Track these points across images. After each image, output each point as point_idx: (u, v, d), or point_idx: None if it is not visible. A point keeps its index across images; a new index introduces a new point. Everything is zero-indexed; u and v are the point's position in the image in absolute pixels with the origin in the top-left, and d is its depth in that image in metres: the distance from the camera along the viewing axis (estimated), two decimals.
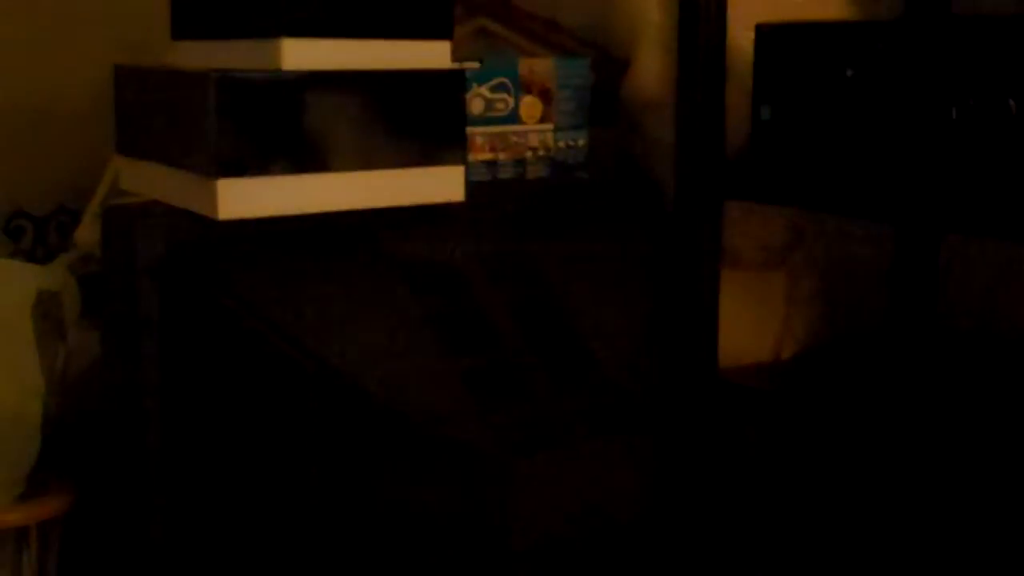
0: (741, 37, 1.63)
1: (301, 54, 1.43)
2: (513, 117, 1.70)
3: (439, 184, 1.52)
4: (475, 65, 1.66)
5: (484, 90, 1.68)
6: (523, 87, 1.70)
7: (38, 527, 1.74)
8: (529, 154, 1.72)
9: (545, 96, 1.72)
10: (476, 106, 1.67)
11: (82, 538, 1.79)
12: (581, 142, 1.75)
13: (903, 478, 1.56)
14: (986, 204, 1.34)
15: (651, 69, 1.78)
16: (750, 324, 1.83)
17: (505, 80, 1.69)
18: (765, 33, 1.57)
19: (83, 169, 2.11)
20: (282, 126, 1.42)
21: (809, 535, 1.67)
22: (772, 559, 1.69)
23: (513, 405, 1.42)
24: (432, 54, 1.52)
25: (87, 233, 2.01)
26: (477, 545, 1.36)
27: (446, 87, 1.52)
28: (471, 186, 1.56)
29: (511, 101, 1.70)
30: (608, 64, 1.85)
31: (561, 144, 1.74)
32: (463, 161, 1.54)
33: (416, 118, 1.50)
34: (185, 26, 1.57)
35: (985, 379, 1.70)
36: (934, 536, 1.55)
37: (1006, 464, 1.46)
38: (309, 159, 1.44)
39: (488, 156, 1.69)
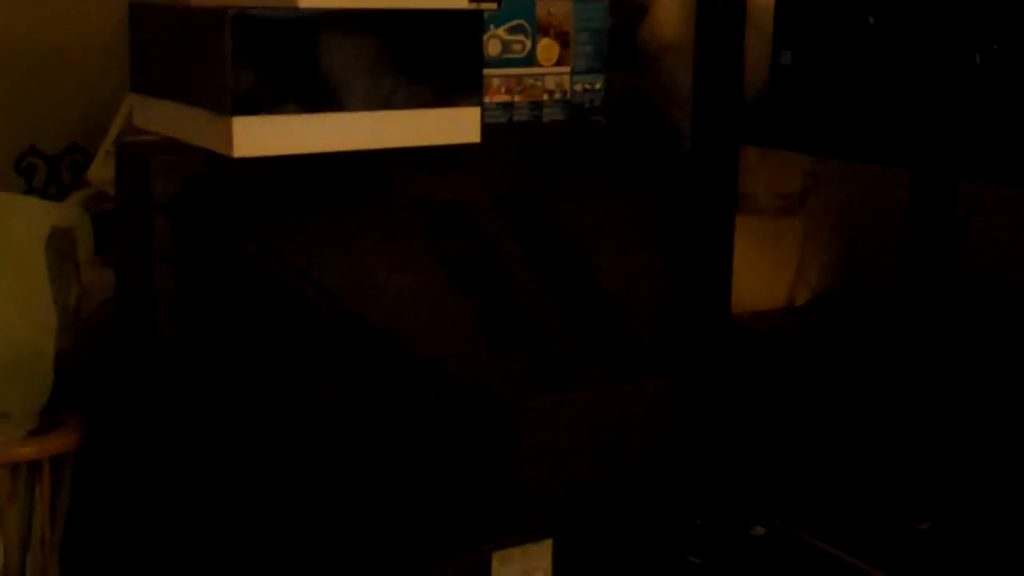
0: None
1: None
2: (530, 59, 1.69)
3: (455, 125, 1.52)
4: (492, 6, 1.65)
5: (501, 32, 1.67)
6: (540, 29, 1.69)
7: (50, 461, 1.75)
8: (545, 97, 1.71)
9: (562, 39, 1.71)
10: (493, 48, 1.66)
11: (94, 473, 1.80)
12: (598, 85, 1.74)
13: (916, 424, 1.56)
14: (1007, 150, 1.33)
15: (669, 12, 1.77)
16: (764, 270, 1.83)
17: (522, 22, 1.68)
18: None
19: (96, 107, 2.10)
20: (298, 64, 1.42)
21: (820, 481, 1.68)
22: (783, 503, 1.70)
23: (525, 347, 1.42)
24: None
25: (100, 171, 2.00)
26: (486, 486, 1.37)
27: (463, 28, 1.51)
28: (487, 128, 1.55)
29: (528, 43, 1.69)
30: (626, 7, 1.84)
31: (578, 87, 1.73)
32: (479, 103, 1.53)
33: (432, 59, 1.49)
34: None
35: (1001, 327, 1.70)
36: (943, 480, 1.55)
37: (1020, 411, 1.46)
38: (325, 98, 1.43)
39: (504, 98, 1.68)
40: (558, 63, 1.71)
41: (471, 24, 1.52)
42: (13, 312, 1.71)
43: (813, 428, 1.67)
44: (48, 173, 2.19)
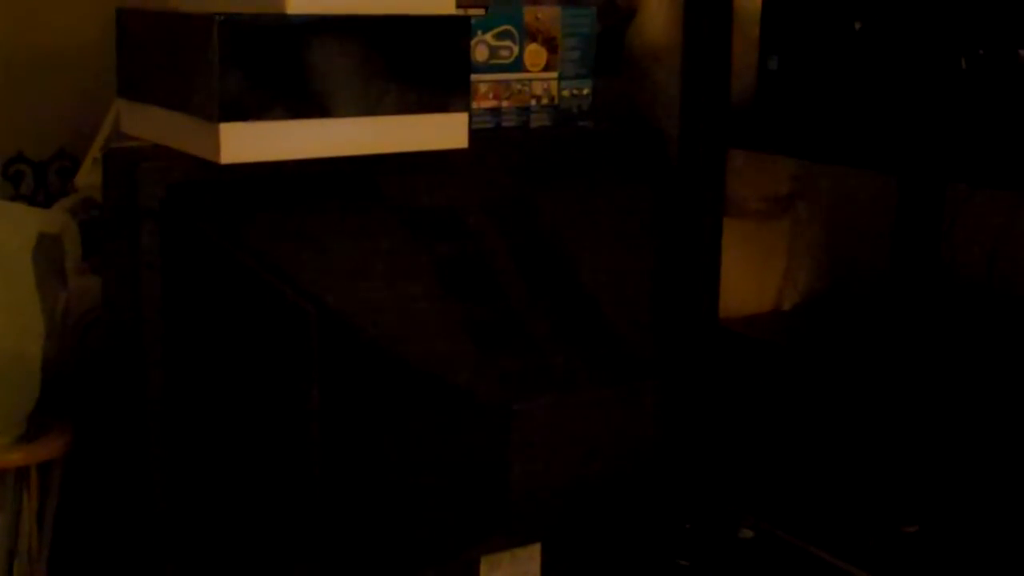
0: None
1: None
2: (517, 65, 1.69)
3: (442, 131, 1.52)
4: (480, 12, 1.65)
5: (488, 37, 1.67)
6: (528, 35, 1.69)
7: (38, 468, 1.74)
8: (533, 102, 1.71)
9: (550, 44, 1.71)
10: (480, 53, 1.66)
11: (82, 479, 1.79)
12: (585, 91, 1.75)
13: (903, 428, 1.57)
14: (993, 154, 1.34)
15: (657, 18, 1.77)
16: (752, 274, 1.83)
17: (510, 27, 1.68)
18: None
19: (83, 113, 2.10)
20: (286, 70, 1.42)
21: (808, 484, 1.68)
22: (771, 507, 1.70)
23: (514, 352, 1.42)
24: (437, 0, 1.51)
25: (88, 177, 2.00)
26: (475, 489, 1.36)
27: (451, 33, 1.51)
28: (474, 134, 1.55)
29: (515, 49, 1.69)
30: (613, 12, 1.84)
31: (565, 92, 1.73)
32: (467, 108, 1.53)
33: (420, 64, 1.49)
34: None
35: (987, 330, 1.71)
36: (930, 483, 1.56)
37: (1006, 415, 1.47)
38: (312, 104, 1.43)
39: (492, 104, 1.68)
40: (546, 68, 1.71)
41: (458, 29, 1.52)
42: (0, 319, 1.71)
43: (801, 431, 1.68)
44: (35, 179, 2.19)
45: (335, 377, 1.36)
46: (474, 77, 1.61)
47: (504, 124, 1.70)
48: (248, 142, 1.40)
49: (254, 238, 1.42)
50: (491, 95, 1.68)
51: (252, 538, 1.47)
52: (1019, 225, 1.77)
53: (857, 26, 1.46)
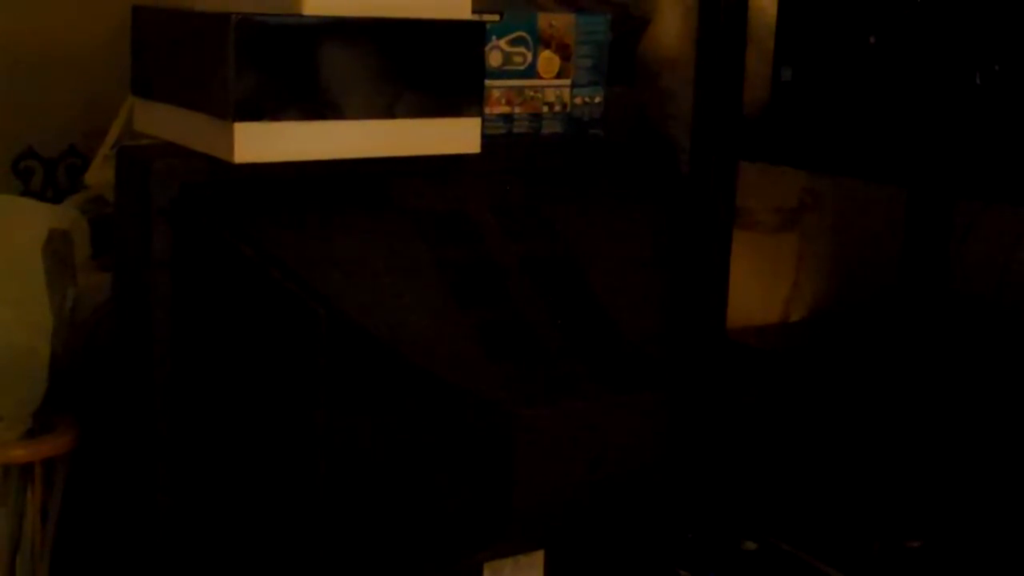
0: None
1: None
2: (530, 71, 1.70)
3: (455, 135, 1.52)
4: (495, 18, 1.65)
5: (503, 43, 1.67)
6: (542, 42, 1.70)
7: (43, 464, 1.74)
8: (545, 109, 1.71)
9: (563, 52, 1.71)
10: (494, 59, 1.66)
11: (87, 477, 1.79)
12: (598, 99, 1.75)
13: (908, 442, 1.57)
14: (1005, 170, 1.34)
15: (670, 27, 1.77)
16: (761, 285, 1.83)
17: (524, 34, 1.68)
18: None
19: (94, 110, 2.10)
20: (301, 71, 1.42)
21: (812, 497, 1.68)
22: (774, 519, 1.70)
23: (521, 358, 1.43)
24: (452, 5, 1.51)
25: (98, 175, 2.00)
26: (480, 495, 1.36)
27: (465, 39, 1.52)
28: (486, 139, 1.55)
29: (529, 55, 1.69)
30: (627, 21, 1.85)
31: (577, 100, 1.73)
32: (480, 113, 1.54)
33: (434, 68, 1.50)
34: None
35: (995, 345, 1.71)
36: (934, 498, 1.56)
37: (1013, 431, 1.47)
38: (327, 105, 1.44)
39: (504, 110, 1.69)
40: (558, 76, 1.72)
41: (473, 35, 1.53)
42: (8, 314, 1.71)
43: (806, 443, 1.68)
44: (45, 176, 2.19)
45: (343, 378, 1.37)
46: (487, 83, 1.62)
47: (516, 130, 1.70)
48: (262, 142, 1.41)
49: (265, 238, 1.42)
50: (504, 101, 1.68)
51: (256, 538, 1.47)
52: None
53: (872, 40, 1.46)
